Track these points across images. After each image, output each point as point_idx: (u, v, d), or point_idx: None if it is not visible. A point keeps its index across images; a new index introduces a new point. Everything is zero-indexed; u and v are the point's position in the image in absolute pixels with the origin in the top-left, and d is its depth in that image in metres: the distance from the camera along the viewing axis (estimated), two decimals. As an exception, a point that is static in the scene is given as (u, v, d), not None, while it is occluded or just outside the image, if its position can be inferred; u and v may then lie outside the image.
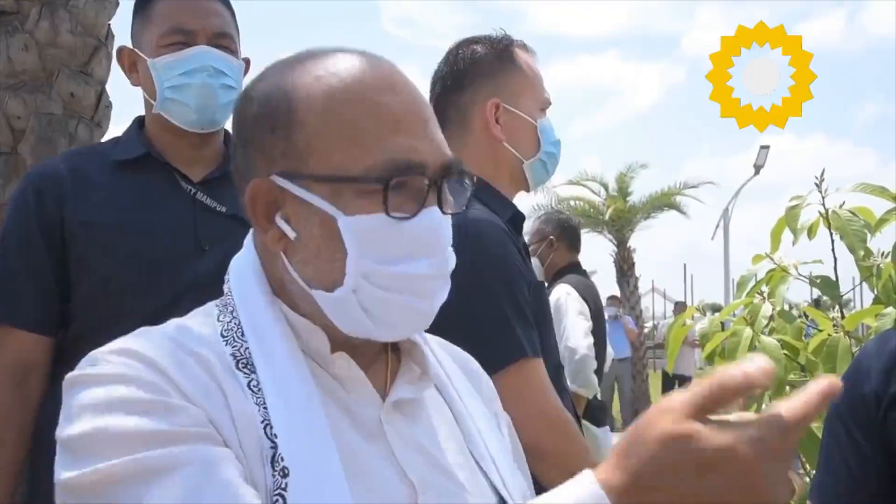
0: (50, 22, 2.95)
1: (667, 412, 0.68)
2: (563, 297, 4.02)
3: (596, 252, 27.82)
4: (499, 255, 1.69)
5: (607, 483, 0.68)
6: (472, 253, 1.38)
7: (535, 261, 4.00)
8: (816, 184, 2.05)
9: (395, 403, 0.92)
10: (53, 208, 1.79)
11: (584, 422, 3.19)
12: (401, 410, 0.92)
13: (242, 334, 0.88)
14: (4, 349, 1.78)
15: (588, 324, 3.99)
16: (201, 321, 0.90)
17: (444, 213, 0.90)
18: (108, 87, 3.13)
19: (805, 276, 2.07)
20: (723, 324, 2.17)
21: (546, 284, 4.06)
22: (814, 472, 1.40)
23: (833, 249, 2.05)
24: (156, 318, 0.93)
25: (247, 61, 1.90)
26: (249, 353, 0.87)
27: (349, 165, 0.86)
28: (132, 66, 1.90)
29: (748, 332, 1.96)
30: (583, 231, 16.42)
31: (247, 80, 1.24)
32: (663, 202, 15.74)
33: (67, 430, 0.80)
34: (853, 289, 2.91)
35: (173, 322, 0.90)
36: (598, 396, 4.41)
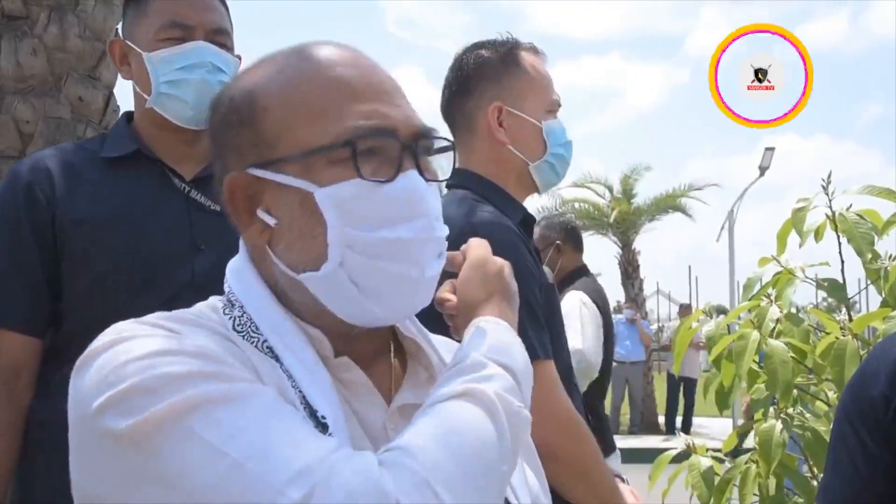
0: (58, 27, 2.96)
1: None
2: (579, 305, 3.98)
3: (601, 254, 27.86)
4: (510, 256, 1.70)
5: None
6: None
7: (545, 269, 3.97)
8: (823, 186, 2.04)
9: (401, 409, 0.92)
10: (44, 205, 1.74)
11: None
12: (405, 416, 0.91)
13: (257, 328, 0.88)
14: None
15: (601, 339, 3.96)
16: (209, 314, 0.91)
17: (425, 179, 0.90)
18: (116, 91, 3.14)
19: (812, 279, 2.07)
20: (728, 326, 2.16)
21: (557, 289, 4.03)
22: (821, 474, 1.41)
23: (840, 252, 2.05)
24: None
25: (239, 58, 1.86)
26: (270, 346, 0.87)
27: (317, 139, 0.87)
28: (123, 59, 1.86)
29: (755, 335, 1.96)
30: (587, 233, 16.28)
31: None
32: (668, 204, 15.72)
33: (110, 390, 0.76)
34: (860, 292, 2.90)
35: (181, 311, 0.89)
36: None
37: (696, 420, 13.11)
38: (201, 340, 0.82)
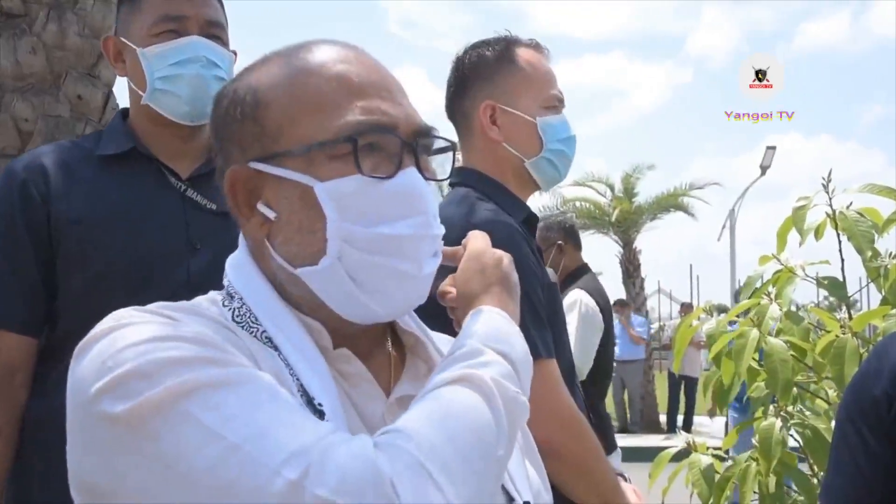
0: (57, 25, 2.96)
1: None
2: (581, 306, 3.98)
3: (602, 253, 27.88)
4: (510, 252, 1.69)
5: None
6: None
7: (549, 271, 3.97)
8: (823, 184, 2.04)
9: (399, 400, 0.92)
10: (39, 203, 1.73)
11: None
12: (404, 407, 0.91)
13: (256, 319, 0.89)
14: None
15: (594, 343, 3.96)
16: (208, 305, 0.91)
17: (425, 177, 0.90)
18: (115, 89, 3.14)
19: (812, 277, 2.07)
20: (729, 324, 2.16)
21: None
22: (822, 473, 1.41)
23: (840, 250, 2.04)
24: None
25: (234, 54, 1.85)
26: (269, 336, 0.87)
27: (318, 133, 0.88)
28: (118, 56, 1.84)
29: (755, 333, 1.95)
30: (588, 232, 16.26)
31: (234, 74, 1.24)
32: (669, 203, 15.72)
33: (108, 374, 0.76)
34: (860, 290, 2.90)
35: (180, 303, 0.90)
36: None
37: (696, 419, 13.12)
38: (199, 327, 0.82)
